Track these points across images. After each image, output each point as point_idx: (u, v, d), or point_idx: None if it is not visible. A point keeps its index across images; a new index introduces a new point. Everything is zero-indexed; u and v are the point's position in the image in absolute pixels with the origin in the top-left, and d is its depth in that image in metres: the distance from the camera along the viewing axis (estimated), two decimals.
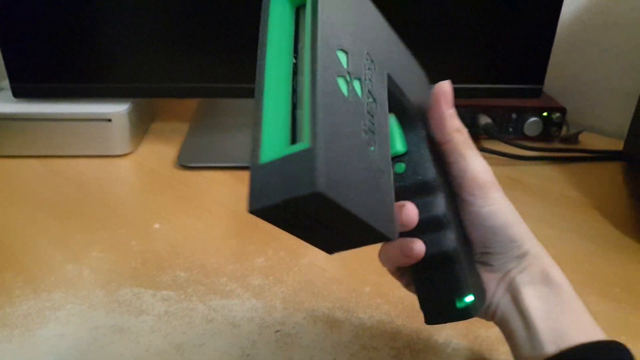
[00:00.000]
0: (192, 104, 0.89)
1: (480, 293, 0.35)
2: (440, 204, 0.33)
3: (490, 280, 0.36)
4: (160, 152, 0.74)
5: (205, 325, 0.45)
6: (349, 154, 0.23)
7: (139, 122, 0.75)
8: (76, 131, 0.69)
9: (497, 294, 0.36)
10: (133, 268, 0.51)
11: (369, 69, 0.29)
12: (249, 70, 0.68)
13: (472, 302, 0.33)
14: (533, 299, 0.34)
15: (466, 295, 0.33)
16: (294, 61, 0.25)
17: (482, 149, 0.75)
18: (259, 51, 0.26)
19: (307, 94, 0.23)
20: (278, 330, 0.44)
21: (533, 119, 0.79)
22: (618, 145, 0.76)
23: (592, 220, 0.62)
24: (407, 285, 0.38)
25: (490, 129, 0.77)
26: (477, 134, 0.79)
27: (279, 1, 0.27)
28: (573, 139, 0.81)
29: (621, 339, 0.44)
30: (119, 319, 0.45)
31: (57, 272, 0.50)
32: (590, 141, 0.81)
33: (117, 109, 0.69)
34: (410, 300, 0.47)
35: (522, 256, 0.35)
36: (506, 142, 0.75)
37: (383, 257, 0.35)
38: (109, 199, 0.63)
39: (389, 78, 0.31)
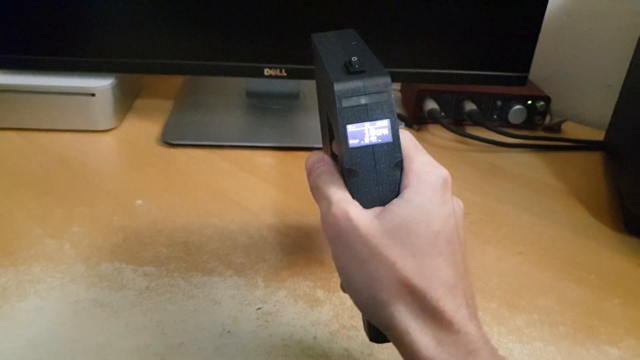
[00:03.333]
0: (177, 81, 0.88)
1: None
2: None
3: None
4: (144, 128, 0.73)
5: (186, 302, 0.45)
6: None
7: (123, 98, 0.74)
8: (58, 105, 0.68)
9: None
10: (114, 243, 0.51)
11: None
12: (235, 48, 0.67)
13: None
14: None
15: None
16: None
17: (465, 135, 0.75)
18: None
19: None
20: (259, 308, 0.44)
21: (517, 106, 0.79)
22: (600, 135, 0.77)
23: (571, 209, 0.62)
24: None
25: (475, 115, 0.77)
26: (462, 120, 0.79)
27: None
28: (556, 128, 0.82)
29: (592, 322, 0.46)
30: (100, 293, 0.45)
31: (37, 246, 0.50)
32: (572, 131, 0.82)
33: (102, 84, 0.68)
34: None
35: None
36: (490, 129, 0.76)
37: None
38: (91, 175, 0.62)
39: None
